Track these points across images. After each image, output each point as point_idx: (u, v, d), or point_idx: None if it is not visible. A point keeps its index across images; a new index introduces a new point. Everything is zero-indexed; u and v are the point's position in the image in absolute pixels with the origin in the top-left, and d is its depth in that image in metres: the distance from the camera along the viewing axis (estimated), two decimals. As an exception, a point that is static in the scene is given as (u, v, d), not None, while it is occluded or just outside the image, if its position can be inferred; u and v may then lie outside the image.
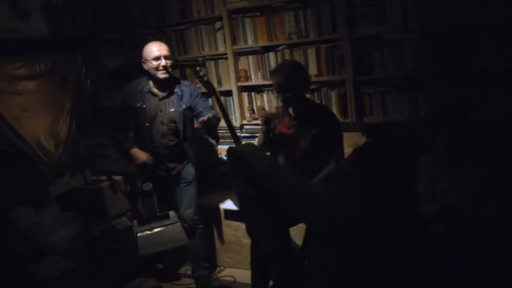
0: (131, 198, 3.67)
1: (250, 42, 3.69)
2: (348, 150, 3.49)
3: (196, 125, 3.18)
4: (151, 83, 3.23)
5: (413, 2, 3.03)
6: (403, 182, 1.89)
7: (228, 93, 3.87)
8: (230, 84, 3.83)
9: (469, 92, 2.99)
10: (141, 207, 3.26)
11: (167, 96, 3.23)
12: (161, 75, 3.16)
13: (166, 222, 2.98)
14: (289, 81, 2.80)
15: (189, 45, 3.96)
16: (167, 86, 3.23)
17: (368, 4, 3.17)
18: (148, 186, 3.32)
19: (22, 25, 3.71)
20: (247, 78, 3.76)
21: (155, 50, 3.16)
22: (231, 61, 3.76)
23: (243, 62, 3.78)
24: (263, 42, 3.62)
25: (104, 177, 3.77)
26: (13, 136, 3.64)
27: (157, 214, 3.05)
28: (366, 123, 3.38)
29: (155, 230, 2.93)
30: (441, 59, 3.03)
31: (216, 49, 3.85)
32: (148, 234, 2.91)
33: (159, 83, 3.21)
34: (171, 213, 3.11)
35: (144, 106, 3.20)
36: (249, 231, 2.99)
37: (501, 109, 2.90)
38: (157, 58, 3.14)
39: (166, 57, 3.16)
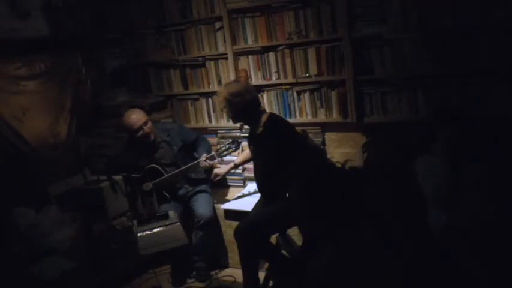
0: (131, 198, 3.67)
1: (250, 42, 3.69)
2: (348, 150, 3.50)
3: (202, 164, 3.46)
4: (136, 144, 3.55)
5: (413, 2, 3.03)
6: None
7: (228, 93, 3.87)
8: (230, 84, 3.82)
9: (469, 92, 2.99)
10: (141, 207, 3.26)
11: (158, 147, 3.57)
12: (147, 140, 3.51)
13: (167, 222, 2.97)
14: (227, 108, 3.03)
15: (189, 45, 3.96)
16: (155, 139, 3.57)
17: (368, 4, 3.18)
18: (149, 186, 3.33)
19: (22, 25, 3.70)
20: (247, 78, 3.76)
21: (133, 124, 3.44)
22: (231, 61, 3.76)
23: (243, 62, 3.77)
24: (263, 42, 3.62)
25: (104, 177, 3.76)
26: (13, 136, 3.64)
27: (157, 214, 3.06)
28: (365, 123, 3.38)
29: (155, 230, 2.93)
30: (441, 59, 3.03)
31: (216, 49, 3.85)
32: (148, 234, 2.91)
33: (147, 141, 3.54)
34: (171, 213, 3.11)
35: (139, 163, 3.52)
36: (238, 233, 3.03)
37: (501, 109, 2.90)
38: (138, 130, 3.45)
39: (145, 123, 3.47)
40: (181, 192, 3.62)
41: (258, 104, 3.05)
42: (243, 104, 2.94)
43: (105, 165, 3.87)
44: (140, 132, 3.46)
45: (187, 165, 3.48)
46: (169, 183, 3.53)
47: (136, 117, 3.47)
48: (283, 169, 2.76)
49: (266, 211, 3.00)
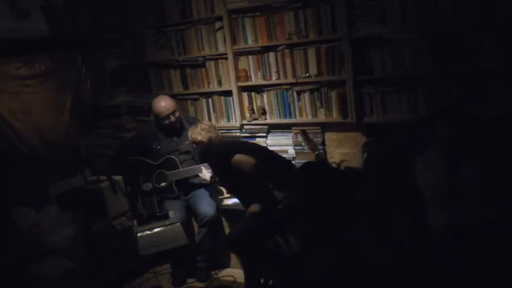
0: (131, 198, 3.67)
1: (250, 42, 3.69)
2: (348, 150, 3.50)
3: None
4: (162, 127, 3.61)
5: (413, 2, 3.03)
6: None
7: (228, 93, 3.87)
8: (230, 84, 3.82)
9: (469, 92, 2.99)
10: (141, 207, 3.26)
11: (179, 135, 3.63)
12: (173, 126, 3.58)
13: (167, 222, 2.98)
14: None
15: (189, 45, 3.96)
16: (181, 126, 3.64)
17: (368, 4, 3.17)
18: (148, 186, 3.33)
19: (22, 25, 3.71)
20: (247, 78, 3.76)
21: (164, 111, 3.52)
22: (231, 61, 3.75)
23: (243, 62, 3.77)
24: (263, 42, 3.62)
25: (104, 177, 3.77)
26: (13, 136, 3.64)
27: (157, 214, 3.06)
28: (366, 123, 3.38)
29: (155, 230, 2.94)
30: (441, 59, 3.03)
31: (216, 49, 3.85)
32: (148, 234, 2.91)
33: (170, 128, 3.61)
34: (171, 213, 3.12)
35: (158, 147, 3.60)
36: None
37: (501, 109, 2.90)
38: (165, 118, 3.52)
39: (173, 113, 3.53)
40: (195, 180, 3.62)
41: (211, 141, 3.29)
42: (200, 147, 3.33)
43: (120, 145, 3.94)
44: (167, 121, 3.54)
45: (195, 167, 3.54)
46: (184, 177, 3.55)
47: (165, 105, 3.54)
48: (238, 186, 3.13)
49: (256, 215, 2.99)
